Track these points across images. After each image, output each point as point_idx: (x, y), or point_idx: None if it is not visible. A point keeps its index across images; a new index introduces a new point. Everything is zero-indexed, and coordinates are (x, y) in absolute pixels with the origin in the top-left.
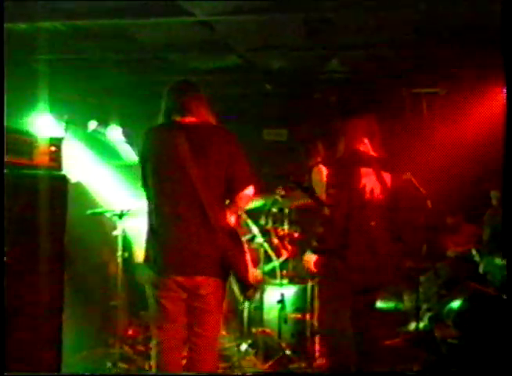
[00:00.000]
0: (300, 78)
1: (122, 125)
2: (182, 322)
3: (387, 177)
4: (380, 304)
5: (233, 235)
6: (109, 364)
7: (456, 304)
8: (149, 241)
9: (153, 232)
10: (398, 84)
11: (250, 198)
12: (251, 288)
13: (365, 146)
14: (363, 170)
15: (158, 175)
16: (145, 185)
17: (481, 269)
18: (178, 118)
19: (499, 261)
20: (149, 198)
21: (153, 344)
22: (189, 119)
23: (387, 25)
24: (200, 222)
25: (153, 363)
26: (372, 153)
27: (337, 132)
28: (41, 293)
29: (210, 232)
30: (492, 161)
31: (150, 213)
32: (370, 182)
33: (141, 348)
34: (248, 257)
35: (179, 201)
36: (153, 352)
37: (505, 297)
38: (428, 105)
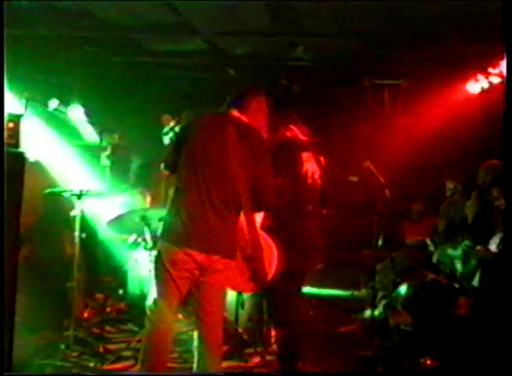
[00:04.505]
0: (263, 65)
1: (84, 105)
2: (180, 299)
3: (322, 160)
4: (337, 291)
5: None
6: (62, 347)
7: (402, 289)
8: (172, 217)
9: (179, 208)
10: (361, 74)
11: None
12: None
13: (293, 132)
14: (304, 155)
15: (199, 158)
16: (173, 163)
17: (434, 259)
18: (233, 112)
19: (450, 251)
20: (179, 177)
21: (149, 319)
22: (246, 116)
23: (353, 15)
24: (230, 209)
25: (144, 335)
26: (302, 137)
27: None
28: None
29: (235, 220)
30: (450, 153)
31: (179, 191)
32: (311, 167)
33: (96, 330)
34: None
35: (216, 186)
36: (147, 325)
37: (456, 285)
38: (390, 96)
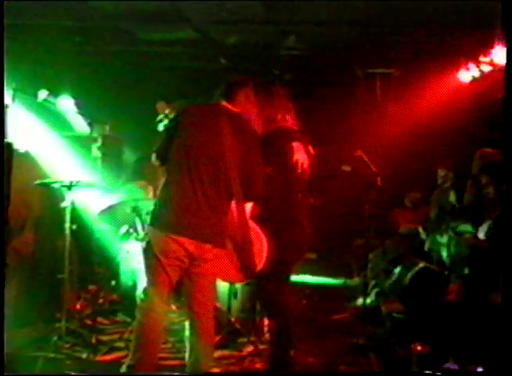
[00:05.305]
0: (256, 54)
1: (74, 96)
2: (170, 288)
3: (311, 149)
4: (330, 280)
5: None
6: (54, 338)
7: (395, 272)
8: (164, 205)
9: (171, 197)
10: (354, 63)
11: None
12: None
13: (286, 122)
14: (295, 145)
15: (192, 148)
16: (164, 153)
17: (426, 247)
18: (223, 103)
19: (440, 239)
20: (171, 166)
21: (139, 309)
22: (234, 107)
23: (346, 4)
24: (221, 198)
25: (135, 325)
26: (293, 127)
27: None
28: None
29: (226, 211)
30: (442, 141)
31: (171, 179)
32: (301, 157)
33: (88, 322)
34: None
35: (208, 176)
36: (138, 315)
37: (446, 273)
38: (382, 85)
